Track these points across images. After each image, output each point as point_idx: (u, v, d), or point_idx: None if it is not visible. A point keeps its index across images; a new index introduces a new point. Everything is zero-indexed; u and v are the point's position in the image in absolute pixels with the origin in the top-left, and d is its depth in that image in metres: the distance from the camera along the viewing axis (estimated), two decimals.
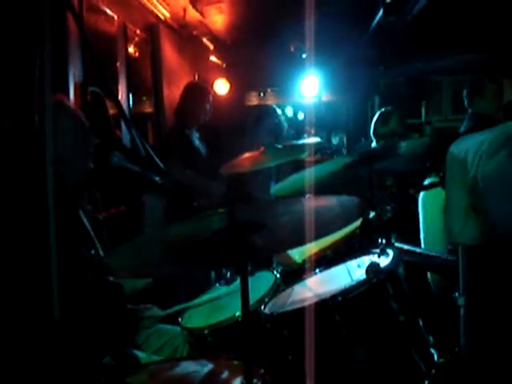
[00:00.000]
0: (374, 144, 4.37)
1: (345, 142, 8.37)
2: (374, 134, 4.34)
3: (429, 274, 2.96)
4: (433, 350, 2.19)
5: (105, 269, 2.35)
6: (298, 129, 7.95)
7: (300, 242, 1.71)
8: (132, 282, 2.70)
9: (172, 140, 5.00)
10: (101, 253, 2.45)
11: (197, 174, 4.71)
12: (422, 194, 3.10)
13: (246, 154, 3.55)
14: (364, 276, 2.16)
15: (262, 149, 3.49)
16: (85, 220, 2.47)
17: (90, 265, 2.33)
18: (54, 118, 2.28)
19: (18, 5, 2.51)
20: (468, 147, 1.96)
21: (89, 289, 2.28)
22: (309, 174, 2.70)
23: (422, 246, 3.04)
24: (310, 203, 1.84)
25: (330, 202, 1.88)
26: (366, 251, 2.50)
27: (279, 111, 5.36)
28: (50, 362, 1.96)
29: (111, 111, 4.79)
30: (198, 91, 5.24)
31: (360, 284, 2.14)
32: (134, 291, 2.71)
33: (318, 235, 1.70)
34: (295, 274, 2.70)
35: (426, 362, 2.14)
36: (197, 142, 5.04)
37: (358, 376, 2.08)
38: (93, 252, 2.38)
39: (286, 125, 5.38)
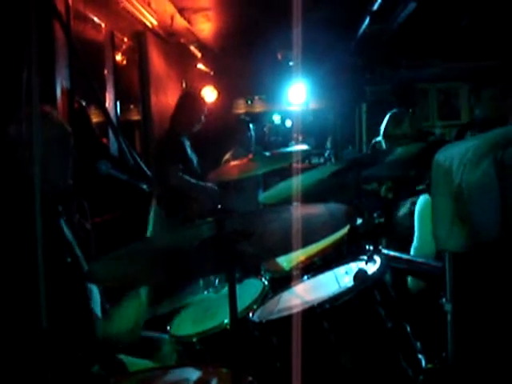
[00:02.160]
0: (383, 145, 4.31)
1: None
2: (384, 134, 4.29)
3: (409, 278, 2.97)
4: (420, 356, 2.20)
5: (86, 277, 2.34)
6: (286, 136, 7.98)
7: (288, 249, 1.72)
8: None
9: (167, 146, 5.02)
10: (82, 261, 2.44)
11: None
12: (418, 200, 3.11)
13: (234, 162, 3.56)
14: (352, 283, 2.17)
15: (249, 156, 3.50)
16: (65, 228, 2.46)
17: (68, 272, 2.32)
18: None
19: (4, 13, 2.51)
20: (453, 155, 1.98)
21: (72, 297, 2.27)
22: (296, 182, 2.71)
23: (412, 250, 3.05)
24: (298, 211, 1.85)
25: (318, 209, 1.89)
26: (354, 258, 2.51)
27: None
28: (39, 372, 1.95)
29: (98, 119, 4.79)
30: (193, 100, 5.28)
31: (348, 291, 2.15)
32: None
33: (307, 242, 1.71)
34: (283, 281, 2.70)
35: (414, 367, 2.15)
36: (189, 150, 5.08)
37: (346, 382, 2.09)
38: (69, 260, 2.36)
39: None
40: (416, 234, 3.05)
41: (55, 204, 2.43)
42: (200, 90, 7.50)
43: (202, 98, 5.51)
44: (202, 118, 5.21)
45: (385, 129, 4.22)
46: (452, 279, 2.16)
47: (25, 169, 2.23)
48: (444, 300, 2.24)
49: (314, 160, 7.31)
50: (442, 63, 7.60)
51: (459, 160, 1.95)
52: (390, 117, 4.24)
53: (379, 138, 4.32)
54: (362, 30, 6.36)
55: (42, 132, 2.33)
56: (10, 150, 2.28)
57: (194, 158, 5.14)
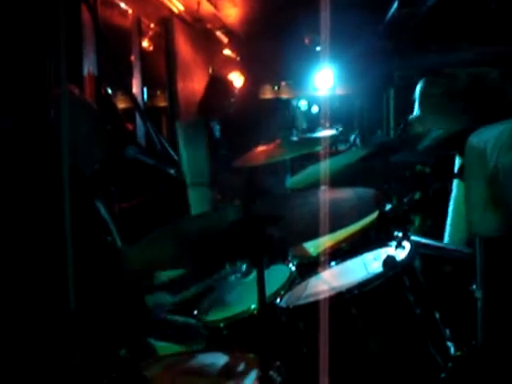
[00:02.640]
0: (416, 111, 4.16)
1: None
2: (421, 96, 4.13)
3: None
4: (449, 343, 2.18)
5: (122, 258, 2.35)
6: (313, 122, 7.91)
7: (316, 233, 1.70)
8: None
9: None
10: (118, 242, 2.45)
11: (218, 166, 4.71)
12: (454, 182, 3.05)
13: (261, 147, 3.54)
14: (380, 269, 2.15)
15: (277, 142, 3.47)
16: (102, 209, 2.47)
17: (108, 252, 2.34)
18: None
19: None
20: (487, 138, 1.94)
21: (106, 278, 2.28)
22: (324, 167, 2.68)
23: (446, 234, 2.99)
24: (326, 195, 1.83)
25: (346, 193, 1.87)
26: (383, 244, 2.49)
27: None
28: (66, 353, 1.97)
29: (125, 105, 4.80)
30: (221, 84, 5.27)
31: (376, 277, 2.13)
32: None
33: (335, 227, 1.69)
34: (311, 266, 2.69)
35: (443, 355, 2.13)
36: (218, 135, 5.05)
37: (373, 369, 2.07)
38: (109, 239, 2.38)
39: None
40: (448, 220, 3.01)
41: (92, 184, 2.44)
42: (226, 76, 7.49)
43: (231, 82, 5.47)
44: (231, 101, 5.18)
45: (421, 91, 4.07)
46: (483, 265, 2.13)
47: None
48: (474, 286, 2.21)
49: (341, 146, 7.25)
50: (472, 47, 7.47)
51: (494, 143, 1.91)
52: (424, 79, 4.10)
53: (410, 118, 4.21)
54: (390, 14, 6.28)
55: (74, 116, 2.36)
56: (49, 132, 2.30)
57: (223, 143, 5.11)
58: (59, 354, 2.02)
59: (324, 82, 7.49)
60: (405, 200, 2.75)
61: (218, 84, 5.27)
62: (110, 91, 4.43)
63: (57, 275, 1.96)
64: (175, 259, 1.76)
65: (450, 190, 3.16)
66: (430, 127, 3.32)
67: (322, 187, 2.30)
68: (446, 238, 3.03)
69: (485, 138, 1.96)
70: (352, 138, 7.02)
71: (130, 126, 4.80)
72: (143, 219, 4.23)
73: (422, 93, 4.01)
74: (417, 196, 3.57)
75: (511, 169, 1.89)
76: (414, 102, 3.98)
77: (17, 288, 2.07)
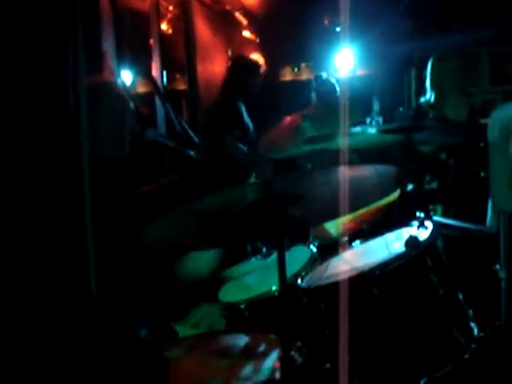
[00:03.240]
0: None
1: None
2: (431, 70, 4.03)
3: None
4: (473, 324, 2.16)
5: (141, 243, 2.36)
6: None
7: (337, 213, 1.68)
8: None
9: (224, 111, 4.96)
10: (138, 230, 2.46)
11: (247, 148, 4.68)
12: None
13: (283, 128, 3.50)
14: (403, 249, 2.13)
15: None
16: (122, 197, 2.49)
17: (126, 242, 2.34)
18: (101, 98, 2.31)
19: None
20: (511, 114, 1.90)
21: (127, 262, 2.29)
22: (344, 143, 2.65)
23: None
24: (347, 173, 1.81)
25: (368, 171, 1.85)
26: (405, 224, 2.46)
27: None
28: (88, 339, 1.98)
29: (146, 88, 4.79)
30: (246, 64, 5.23)
31: (399, 257, 2.11)
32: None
33: (356, 206, 1.67)
34: (332, 247, 2.67)
35: (466, 336, 2.11)
36: (245, 116, 5.01)
37: (396, 350, 2.06)
38: (127, 228, 2.38)
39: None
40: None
41: (112, 172, 2.46)
42: None
43: (256, 61, 5.41)
44: (257, 80, 5.14)
45: (432, 64, 4.01)
46: (507, 244, 2.10)
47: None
48: (498, 266, 2.18)
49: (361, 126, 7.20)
50: (494, 25, 7.35)
51: None
52: (434, 56, 4.05)
53: (423, 99, 4.15)
54: None
55: (101, 102, 2.37)
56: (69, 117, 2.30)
57: (251, 125, 5.08)
58: (81, 340, 2.04)
59: (344, 62, 7.43)
60: (427, 179, 2.71)
61: (242, 63, 5.22)
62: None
63: (78, 261, 1.97)
64: (195, 238, 1.75)
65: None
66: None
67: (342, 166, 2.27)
68: (488, 222, 2.97)
69: (508, 114, 1.93)
70: (370, 118, 6.96)
71: (145, 110, 4.78)
72: (164, 203, 4.24)
73: (432, 65, 3.93)
74: (433, 185, 3.51)
75: None
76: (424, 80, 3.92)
77: (39, 275, 2.08)
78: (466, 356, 2.06)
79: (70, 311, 2.08)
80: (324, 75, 5.75)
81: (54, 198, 2.18)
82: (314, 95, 5.45)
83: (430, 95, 4.00)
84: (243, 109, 5.01)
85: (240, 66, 5.18)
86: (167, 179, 4.18)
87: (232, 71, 5.19)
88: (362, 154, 2.72)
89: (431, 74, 3.89)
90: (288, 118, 3.43)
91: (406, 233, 2.34)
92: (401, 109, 6.93)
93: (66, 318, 2.09)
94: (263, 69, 5.31)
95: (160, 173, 4.45)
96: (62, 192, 2.19)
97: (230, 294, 2.66)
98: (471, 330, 2.15)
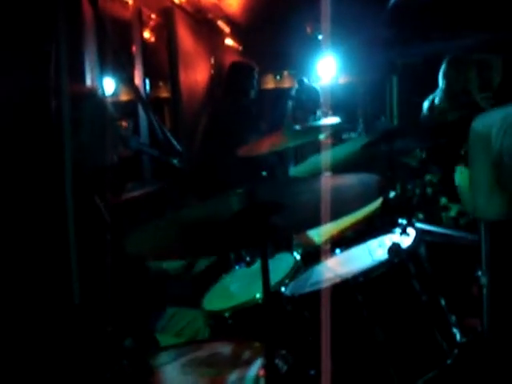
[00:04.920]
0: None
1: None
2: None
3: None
4: (455, 330, 2.17)
5: (123, 253, 2.36)
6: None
7: (320, 221, 1.69)
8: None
9: (232, 117, 4.95)
10: (117, 238, 2.45)
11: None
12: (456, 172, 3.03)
13: (265, 136, 3.52)
14: (385, 256, 2.14)
15: (280, 130, 3.46)
16: (101, 207, 2.48)
17: (107, 249, 2.34)
18: (84, 106, 2.31)
19: None
20: (492, 122, 1.92)
21: (108, 272, 2.28)
22: (328, 156, 2.67)
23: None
24: (330, 182, 1.82)
25: (350, 180, 1.86)
26: (387, 231, 2.48)
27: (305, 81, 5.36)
28: (71, 347, 1.98)
29: (128, 96, 4.78)
30: (243, 67, 5.24)
31: (382, 264, 2.12)
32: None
33: (339, 214, 1.68)
34: (315, 255, 2.68)
35: (449, 341, 2.13)
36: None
37: (379, 356, 2.07)
38: (108, 237, 2.38)
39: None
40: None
41: (92, 181, 2.45)
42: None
43: (251, 63, 5.41)
44: (255, 82, 5.16)
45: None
46: (488, 251, 2.12)
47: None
48: (480, 273, 2.20)
49: (345, 135, 7.22)
50: (475, 34, 7.43)
51: (499, 126, 1.89)
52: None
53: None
54: (393, 1, 6.25)
55: (84, 110, 2.36)
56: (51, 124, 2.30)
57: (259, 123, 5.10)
58: (64, 348, 2.02)
59: (327, 70, 7.46)
60: (409, 187, 2.74)
61: (240, 67, 5.24)
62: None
63: (61, 270, 1.96)
64: (177, 247, 1.75)
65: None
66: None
67: (326, 174, 2.29)
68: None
69: (489, 121, 1.95)
70: (359, 128, 7.00)
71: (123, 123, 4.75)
72: (146, 211, 4.23)
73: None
74: (417, 191, 3.56)
75: None
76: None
77: (21, 284, 2.07)
78: (449, 361, 2.07)
79: (53, 319, 2.07)
80: (306, 81, 5.78)
81: (36, 205, 2.17)
82: (291, 101, 5.46)
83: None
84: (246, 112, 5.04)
85: (237, 70, 5.20)
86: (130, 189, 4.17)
87: (230, 76, 5.21)
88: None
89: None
90: (269, 137, 3.45)
91: (388, 240, 2.35)
92: (383, 118, 6.98)
93: (49, 326, 2.08)
94: (258, 70, 5.32)
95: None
96: (44, 199, 2.18)
97: (214, 302, 2.66)
98: (454, 335, 2.16)
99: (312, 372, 2.00)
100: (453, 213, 3.62)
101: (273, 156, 4.38)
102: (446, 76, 4.13)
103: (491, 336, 2.23)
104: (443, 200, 3.46)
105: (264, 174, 4.48)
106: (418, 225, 2.65)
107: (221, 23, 7.28)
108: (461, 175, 2.93)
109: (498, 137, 1.89)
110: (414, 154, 3.81)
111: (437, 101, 4.16)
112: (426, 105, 4.23)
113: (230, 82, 5.18)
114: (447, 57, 4.19)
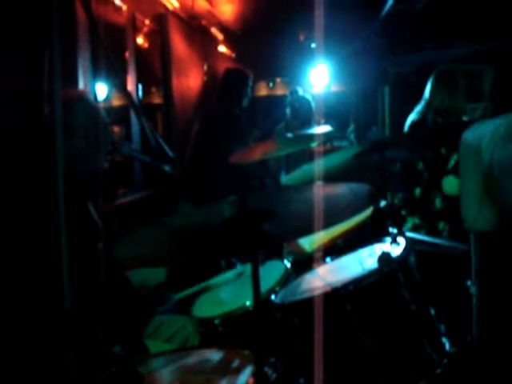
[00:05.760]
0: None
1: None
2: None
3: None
4: (445, 339, 2.18)
5: (114, 261, 2.35)
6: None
7: (311, 230, 1.70)
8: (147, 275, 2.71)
9: (228, 123, 4.94)
10: (109, 245, 2.45)
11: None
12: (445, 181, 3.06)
13: (257, 144, 3.53)
14: (375, 265, 2.15)
15: (272, 138, 3.47)
16: (93, 213, 2.47)
17: (99, 257, 2.33)
18: (75, 112, 2.30)
19: None
20: (482, 133, 1.93)
21: (99, 280, 2.28)
22: (319, 164, 2.68)
23: None
24: (321, 190, 1.83)
25: (341, 189, 1.87)
26: (378, 240, 2.49)
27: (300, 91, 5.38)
28: (60, 352, 1.97)
29: (121, 102, 4.78)
30: (238, 73, 5.24)
31: (372, 273, 2.13)
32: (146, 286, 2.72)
33: (330, 223, 1.68)
34: (306, 263, 2.69)
35: (438, 351, 2.13)
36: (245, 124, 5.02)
37: (368, 365, 2.07)
38: (100, 245, 2.37)
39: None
40: None
41: (85, 187, 2.44)
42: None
43: (246, 70, 5.41)
44: (250, 88, 5.16)
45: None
46: (478, 261, 2.13)
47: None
48: (469, 282, 2.21)
49: (336, 142, 7.24)
50: (467, 44, 7.47)
51: (490, 137, 1.90)
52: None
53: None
54: (385, 11, 6.28)
55: (77, 115, 2.36)
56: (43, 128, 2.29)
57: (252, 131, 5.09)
58: (54, 353, 2.02)
59: (319, 78, 7.49)
60: (399, 196, 2.75)
61: (235, 73, 5.24)
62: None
63: (51, 275, 1.95)
64: (167, 254, 1.75)
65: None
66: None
67: (317, 183, 2.30)
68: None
69: (480, 133, 1.96)
70: (351, 136, 7.03)
71: (116, 129, 4.75)
72: (138, 217, 4.23)
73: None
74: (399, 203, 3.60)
75: (507, 163, 1.89)
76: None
77: (12, 289, 2.06)
78: (438, 371, 2.08)
79: (43, 325, 2.06)
80: (300, 91, 5.80)
81: (27, 210, 2.16)
82: (288, 110, 5.48)
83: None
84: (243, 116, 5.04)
85: (232, 77, 5.20)
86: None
87: (224, 82, 5.21)
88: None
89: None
90: (261, 144, 3.46)
91: (378, 249, 2.36)
92: (374, 128, 7.01)
93: (38, 331, 2.07)
94: (252, 78, 5.33)
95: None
96: (35, 204, 2.17)
97: (204, 309, 2.65)
98: (443, 345, 2.17)
99: (301, 380, 2.00)
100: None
101: (260, 165, 4.38)
102: (429, 91, 4.16)
103: (480, 346, 2.23)
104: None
105: (253, 183, 4.48)
106: (408, 234, 2.66)
107: (214, 30, 7.30)
108: (451, 185, 2.96)
109: (488, 148, 1.90)
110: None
111: (415, 114, 4.19)
112: (410, 117, 4.26)
113: (224, 89, 5.17)
114: (434, 71, 4.22)
